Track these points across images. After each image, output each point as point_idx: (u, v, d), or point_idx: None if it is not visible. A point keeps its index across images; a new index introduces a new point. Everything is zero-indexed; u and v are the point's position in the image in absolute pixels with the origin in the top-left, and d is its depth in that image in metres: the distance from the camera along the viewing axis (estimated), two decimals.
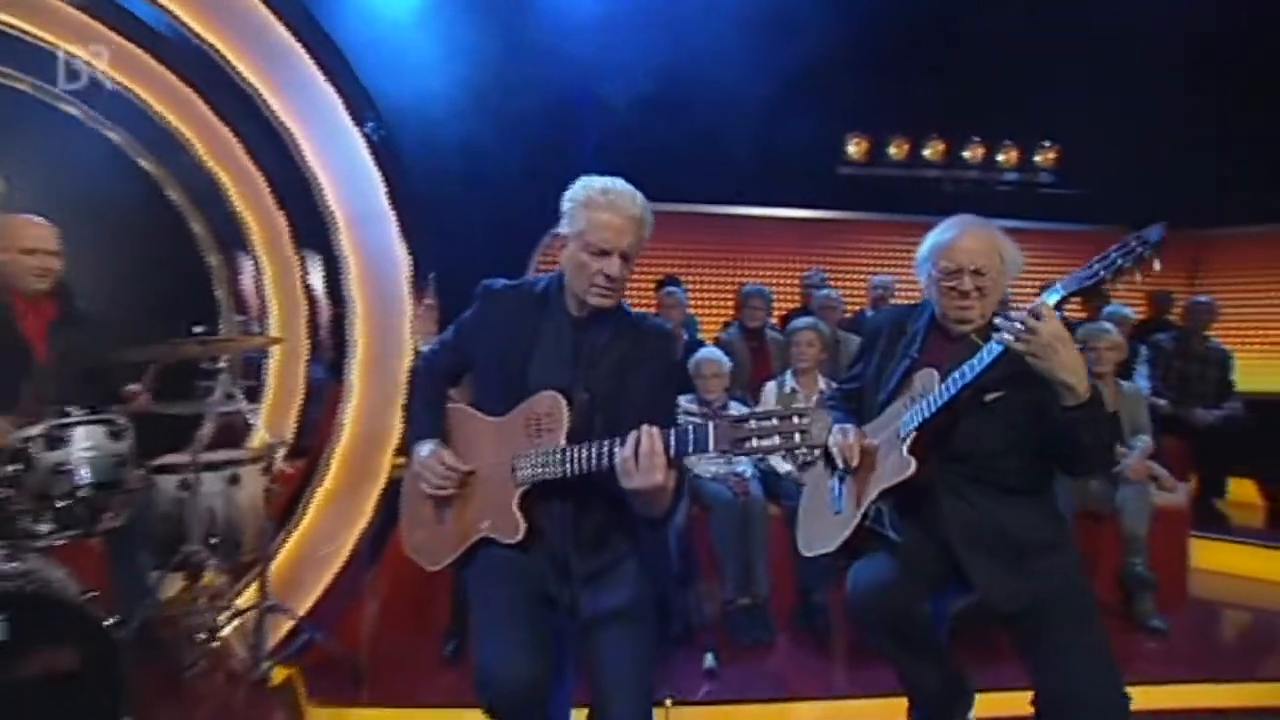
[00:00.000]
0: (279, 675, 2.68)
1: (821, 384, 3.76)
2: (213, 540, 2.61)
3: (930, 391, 1.84)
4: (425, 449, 1.77)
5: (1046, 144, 6.46)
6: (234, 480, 2.72)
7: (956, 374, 1.76)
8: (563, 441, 1.61)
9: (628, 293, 1.78)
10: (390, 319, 3.34)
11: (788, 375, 3.83)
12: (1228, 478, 4.94)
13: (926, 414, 1.82)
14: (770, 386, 3.85)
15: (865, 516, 1.89)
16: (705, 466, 3.47)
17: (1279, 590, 4.13)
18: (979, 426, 1.83)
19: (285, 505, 3.07)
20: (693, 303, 5.89)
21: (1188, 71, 5.41)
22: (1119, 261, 1.60)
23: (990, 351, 1.69)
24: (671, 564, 2.05)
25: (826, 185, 6.33)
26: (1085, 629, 1.75)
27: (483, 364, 1.81)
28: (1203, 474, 4.82)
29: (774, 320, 5.19)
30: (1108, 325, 3.73)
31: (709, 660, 2.84)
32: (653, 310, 4.95)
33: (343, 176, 3.37)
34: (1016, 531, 1.81)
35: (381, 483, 3.15)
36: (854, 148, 6.32)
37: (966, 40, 5.53)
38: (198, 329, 2.63)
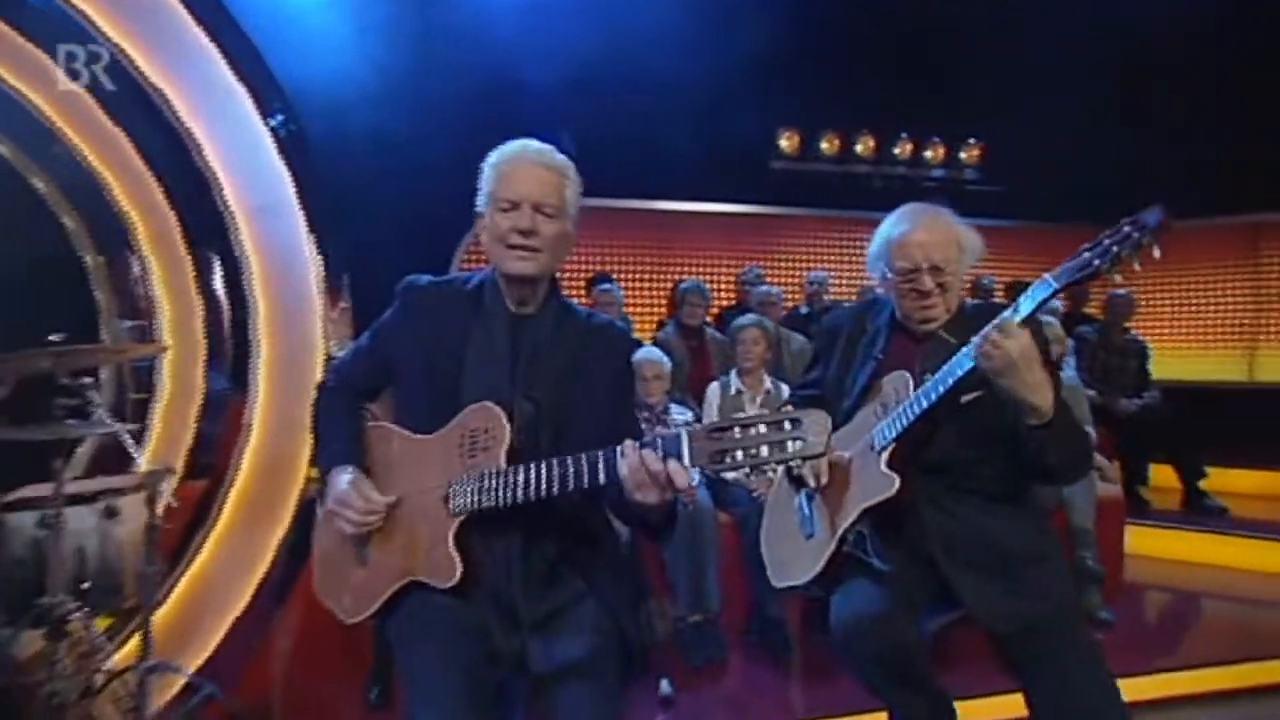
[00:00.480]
0: None
1: (768, 384, 3.61)
2: (83, 586, 2.21)
3: (903, 397, 1.69)
4: (343, 480, 1.47)
5: (971, 141, 6.57)
6: (111, 514, 2.32)
7: (930, 385, 1.63)
8: (503, 461, 1.37)
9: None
10: (299, 321, 3.04)
11: (732, 375, 3.67)
12: (1149, 464, 5.09)
13: (903, 425, 1.67)
14: (714, 388, 3.69)
15: (843, 541, 1.72)
16: None
17: (1200, 571, 4.28)
18: (958, 432, 1.69)
19: (176, 539, 2.69)
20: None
21: (1107, 71, 5.56)
22: (1115, 250, 1.46)
23: (961, 365, 1.58)
24: (636, 599, 1.83)
25: (759, 180, 6.23)
26: (1083, 656, 1.62)
27: (406, 372, 1.54)
28: (1125, 462, 4.95)
29: (709, 318, 5.04)
30: (1050, 319, 3.72)
31: (665, 687, 2.63)
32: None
33: (242, 167, 3.04)
34: (1002, 540, 1.68)
35: (292, 506, 2.83)
36: (786, 142, 6.25)
37: (897, 35, 5.53)
38: (54, 337, 2.22)
